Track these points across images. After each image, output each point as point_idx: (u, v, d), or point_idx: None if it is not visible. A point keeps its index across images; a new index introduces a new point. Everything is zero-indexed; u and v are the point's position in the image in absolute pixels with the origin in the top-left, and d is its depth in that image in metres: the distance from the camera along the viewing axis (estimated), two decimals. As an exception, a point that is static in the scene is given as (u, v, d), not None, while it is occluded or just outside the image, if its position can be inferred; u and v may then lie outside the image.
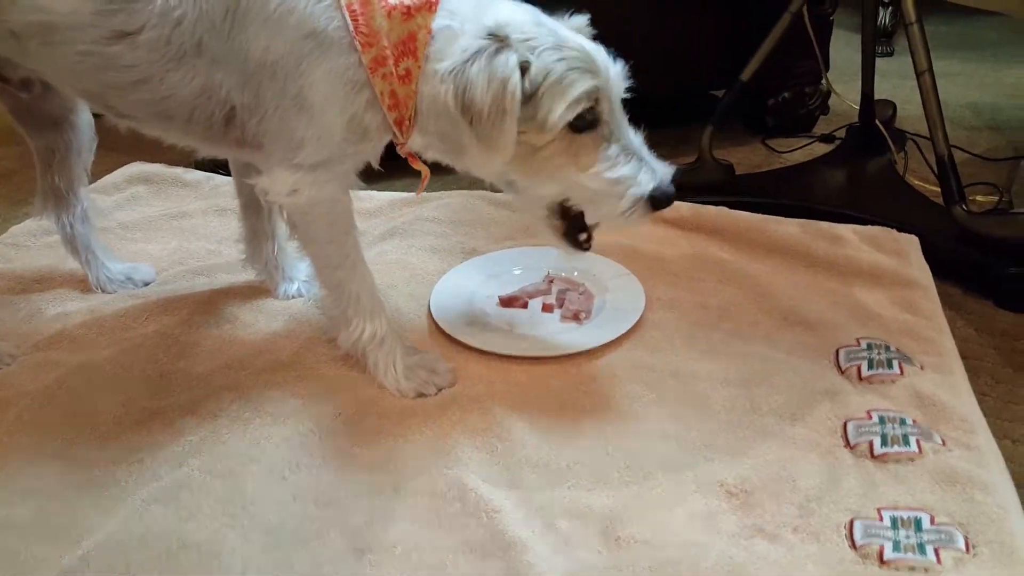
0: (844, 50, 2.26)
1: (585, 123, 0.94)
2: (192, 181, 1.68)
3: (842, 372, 1.11)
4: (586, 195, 0.98)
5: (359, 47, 0.91)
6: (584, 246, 1.05)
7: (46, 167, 1.23)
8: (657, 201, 0.96)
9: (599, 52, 0.95)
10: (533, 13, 0.95)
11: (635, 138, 0.98)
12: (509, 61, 0.88)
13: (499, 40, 0.89)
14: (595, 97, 0.93)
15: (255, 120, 0.98)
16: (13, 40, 0.94)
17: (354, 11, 0.90)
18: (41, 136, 1.20)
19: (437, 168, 1.05)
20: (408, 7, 0.92)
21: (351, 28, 0.90)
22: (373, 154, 1.03)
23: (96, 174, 1.67)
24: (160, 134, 1.05)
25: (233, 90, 0.96)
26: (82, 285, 1.33)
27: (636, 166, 0.96)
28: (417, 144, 1.02)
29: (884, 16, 2.65)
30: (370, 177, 1.08)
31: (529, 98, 0.91)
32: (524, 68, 0.90)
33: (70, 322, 1.23)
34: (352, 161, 1.02)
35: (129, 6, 0.90)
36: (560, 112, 0.91)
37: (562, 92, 0.91)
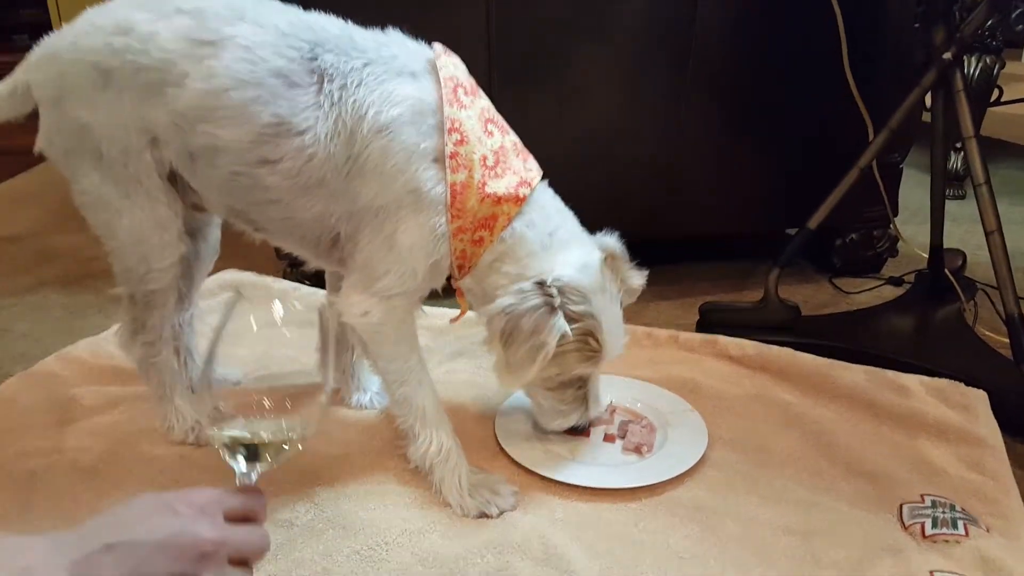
0: (915, 190, 2.26)
1: None
2: (279, 291, 1.79)
3: (905, 528, 1.10)
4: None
5: (450, 218, 1.05)
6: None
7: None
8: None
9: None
10: (587, 266, 1.12)
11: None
12: (555, 327, 1.06)
13: (547, 296, 1.06)
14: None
15: (350, 246, 1.10)
16: (189, 160, 1.09)
17: (455, 191, 1.04)
18: None
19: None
20: (499, 197, 1.06)
21: (448, 202, 1.04)
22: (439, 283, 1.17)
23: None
24: (285, 246, 1.20)
25: (340, 220, 1.09)
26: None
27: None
28: (466, 284, 1.16)
29: (956, 161, 2.67)
30: (445, 293, 1.18)
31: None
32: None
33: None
34: (424, 292, 1.14)
35: (274, 140, 1.03)
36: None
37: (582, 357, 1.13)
